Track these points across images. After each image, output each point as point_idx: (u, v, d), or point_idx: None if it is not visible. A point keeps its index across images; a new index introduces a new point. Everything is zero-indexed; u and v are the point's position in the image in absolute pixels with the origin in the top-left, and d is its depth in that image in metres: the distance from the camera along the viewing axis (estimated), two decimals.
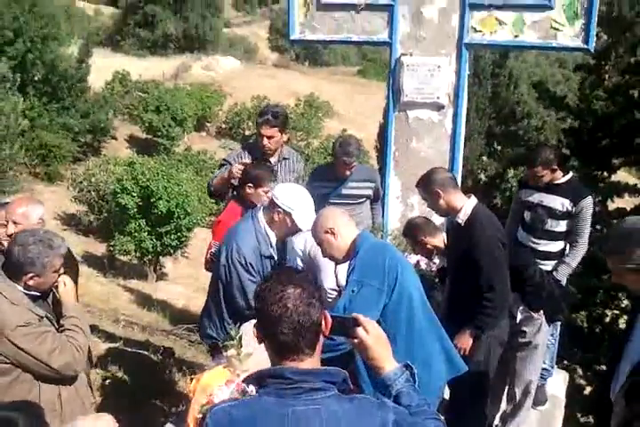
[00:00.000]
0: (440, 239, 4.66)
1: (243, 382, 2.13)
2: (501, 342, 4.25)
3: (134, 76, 28.55)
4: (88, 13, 45.80)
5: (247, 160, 5.17)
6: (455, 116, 5.29)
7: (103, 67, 25.95)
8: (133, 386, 6.09)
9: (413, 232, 4.74)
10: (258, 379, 2.04)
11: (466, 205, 4.11)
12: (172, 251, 15.95)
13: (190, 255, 16.83)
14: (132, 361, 6.96)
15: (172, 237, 15.48)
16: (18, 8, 19.93)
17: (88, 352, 3.97)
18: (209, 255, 4.98)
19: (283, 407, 1.95)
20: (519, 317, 4.53)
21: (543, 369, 5.42)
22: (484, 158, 9.23)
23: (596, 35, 5.27)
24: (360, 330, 2.17)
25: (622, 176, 9.97)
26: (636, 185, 9.06)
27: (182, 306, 12.50)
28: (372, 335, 2.17)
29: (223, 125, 30.45)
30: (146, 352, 7.45)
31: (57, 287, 3.46)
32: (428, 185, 4.12)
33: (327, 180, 5.50)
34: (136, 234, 15.36)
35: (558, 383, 5.69)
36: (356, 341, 2.19)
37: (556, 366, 5.71)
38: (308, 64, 45.13)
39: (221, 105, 29.94)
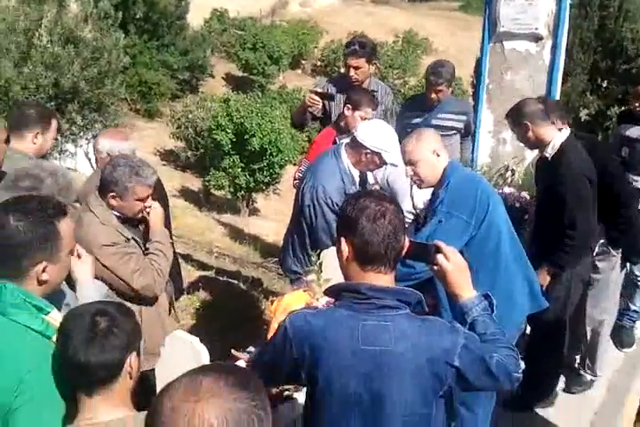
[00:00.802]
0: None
1: (324, 293, 2.21)
2: (583, 279, 4.18)
3: (232, 14, 28.61)
4: None
5: (333, 90, 5.16)
6: (554, 48, 5.08)
7: (202, 4, 26.06)
8: (223, 312, 6.32)
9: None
10: (335, 292, 2.12)
11: (555, 138, 3.98)
12: (264, 187, 16.24)
13: (281, 192, 17.06)
14: (223, 289, 7.22)
15: (265, 173, 15.73)
16: None
17: (180, 279, 4.12)
18: (298, 173, 5.07)
19: (354, 320, 2.00)
20: (596, 250, 4.40)
21: (633, 311, 5.30)
22: (587, 95, 8.80)
23: None
24: (440, 257, 2.19)
25: None
26: None
27: (272, 241, 12.75)
28: (453, 262, 2.19)
29: (319, 63, 30.23)
30: (236, 281, 7.69)
31: (148, 214, 3.59)
32: (516, 117, 4.01)
33: (418, 110, 5.41)
34: (230, 170, 15.67)
35: None
36: (435, 267, 2.22)
37: None
38: (407, 0, 43.93)
39: (317, 42, 29.70)
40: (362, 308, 2.02)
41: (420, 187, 3.60)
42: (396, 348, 1.99)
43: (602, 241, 4.37)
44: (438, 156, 3.42)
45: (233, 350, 3.21)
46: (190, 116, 18.73)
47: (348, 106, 4.69)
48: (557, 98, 5.23)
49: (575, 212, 3.81)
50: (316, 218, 4.14)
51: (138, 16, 20.81)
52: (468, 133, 5.51)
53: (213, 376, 1.33)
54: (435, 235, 3.22)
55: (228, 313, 6.26)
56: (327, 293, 2.18)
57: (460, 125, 5.42)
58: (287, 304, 3.51)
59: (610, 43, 8.93)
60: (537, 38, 5.09)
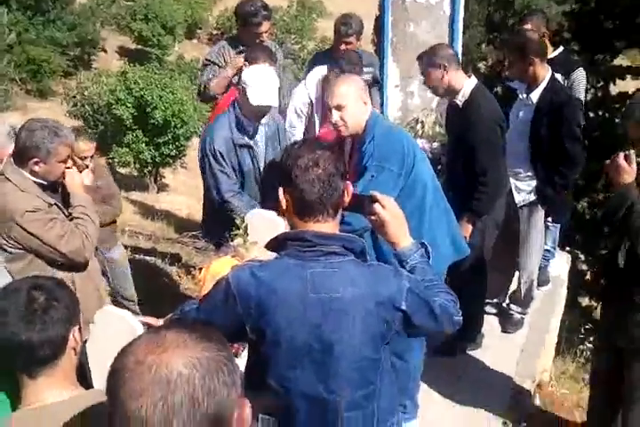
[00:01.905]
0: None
1: (264, 247, 2.17)
2: (497, 223, 4.27)
3: None
4: None
5: (232, 53, 5.09)
6: None
7: None
8: (142, 290, 6.19)
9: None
10: (278, 242, 2.08)
11: (465, 85, 4.02)
12: (170, 161, 15.92)
13: (189, 165, 16.77)
14: (141, 268, 7.05)
15: (170, 146, 15.42)
16: None
17: None
18: None
19: (302, 269, 1.99)
20: (523, 201, 4.50)
21: (545, 251, 5.49)
22: (484, 46, 9.00)
23: None
24: (377, 206, 2.19)
25: (621, 62, 9.72)
26: (637, 68, 8.87)
27: (185, 215, 12.57)
28: (389, 211, 2.19)
29: (214, 31, 29.67)
30: (153, 259, 7.54)
31: (65, 179, 3.46)
32: (433, 58, 4.00)
33: (326, 64, 5.38)
34: (134, 146, 15.27)
35: (561, 265, 5.79)
36: (373, 217, 2.21)
37: (558, 249, 5.79)
38: None
39: (211, 11, 29.11)
40: (308, 256, 2.00)
41: (342, 133, 3.56)
42: (345, 294, 1.98)
43: (534, 197, 4.45)
44: (364, 104, 3.36)
45: (140, 317, 3.08)
46: (86, 93, 18.06)
47: (246, 63, 4.65)
48: (460, 49, 5.29)
49: (486, 158, 3.84)
50: (204, 169, 4.14)
51: None
52: (377, 81, 5.51)
53: (176, 330, 1.28)
54: (368, 189, 3.19)
55: (147, 291, 6.13)
56: (269, 246, 2.13)
57: (368, 77, 5.41)
58: (215, 272, 3.44)
59: None
60: None
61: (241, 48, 5.20)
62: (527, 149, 4.32)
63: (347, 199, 2.11)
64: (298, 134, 4.80)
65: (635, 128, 3.28)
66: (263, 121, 4.19)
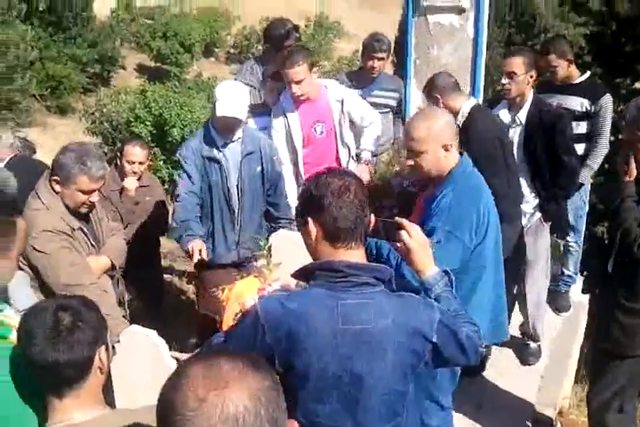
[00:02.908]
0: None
1: (292, 276, 2.16)
2: (513, 243, 4.23)
3: (139, 3, 27.84)
4: None
5: (259, 73, 5.14)
6: (477, 20, 5.14)
7: None
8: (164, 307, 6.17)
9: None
10: (307, 272, 2.06)
11: (464, 106, 4.05)
12: None
13: None
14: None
15: None
16: None
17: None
18: None
19: (332, 300, 1.96)
20: (529, 225, 4.45)
21: (567, 276, 5.45)
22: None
23: None
24: (404, 234, 2.19)
25: None
26: None
27: None
28: (415, 239, 2.19)
29: (232, 50, 29.84)
30: (170, 276, 7.53)
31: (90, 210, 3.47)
32: (429, 91, 4.09)
33: (352, 86, 5.40)
34: (152, 163, 15.30)
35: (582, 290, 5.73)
36: (399, 244, 2.21)
37: (579, 274, 5.73)
38: None
39: (229, 29, 29.30)
40: (339, 286, 1.97)
41: (411, 177, 3.46)
42: (376, 326, 1.96)
43: (538, 217, 4.42)
44: (447, 151, 3.04)
45: (170, 352, 3.08)
46: (105, 110, 18.14)
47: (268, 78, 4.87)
48: (482, 70, 5.29)
49: (488, 174, 3.71)
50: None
51: (41, 8, 20.07)
52: (401, 111, 5.53)
53: (227, 360, 1.25)
54: (435, 255, 2.71)
55: (165, 310, 6.12)
56: (296, 275, 2.12)
57: (394, 103, 5.44)
58: (239, 292, 3.42)
59: (522, 16, 9.12)
60: (460, 10, 5.13)
61: (268, 69, 5.21)
62: (526, 170, 4.32)
63: (371, 227, 2.10)
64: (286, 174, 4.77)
65: (626, 130, 3.32)
66: (237, 138, 4.23)
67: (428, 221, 3.04)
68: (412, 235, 2.19)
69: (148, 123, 14.75)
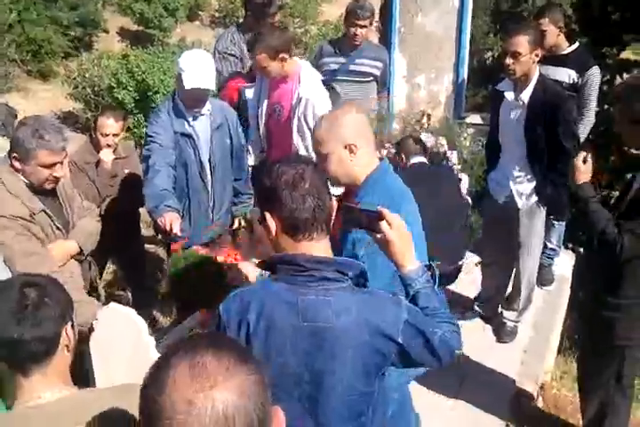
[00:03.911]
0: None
1: (257, 266, 2.10)
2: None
3: None
4: None
5: (241, 41, 5.00)
6: None
7: None
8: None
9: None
10: (270, 265, 1.99)
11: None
12: None
13: None
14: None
15: None
16: None
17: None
18: None
19: (293, 295, 1.90)
20: (525, 208, 4.41)
21: (550, 249, 5.44)
22: (491, 36, 8.85)
23: None
24: (384, 225, 2.08)
25: (628, 55, 9.55)
26: None
27: None
28: (396, 231, 2.09)
29: (217, 14, 29.30)
30: (154, 246, 7.47)
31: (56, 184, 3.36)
32: (400, 150, 4.61)
33: (335, 54, 5.28)
34: (135, 130, 15.10)
35: (566, 263, 5.72)
36: (379, 236, 2.11)
37: (563, 247, 5.72)
38: None
39: None
40: (300, 281, 1.91)
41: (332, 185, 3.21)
42: (337, 324, 1.89)
43: (534, 200, 4.36)
44: (352, 153, 2.64)
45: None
46: (87, 75, 17.85)
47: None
48: (467, 40, 5.18)
49: None
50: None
51: None
52: (385, 83, 5.42)
53: (213, 357, 1.21)
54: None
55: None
56: (262, 266, 2.06)
57: (377, 72, 5.32)
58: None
59: None
60: None
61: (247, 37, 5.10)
62: (525, 151, 4.25)
63: (332, 214, 2.03)
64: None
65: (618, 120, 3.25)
66: (206, 111, 4.10)
67: (347, 231, 2.71)
68: (393, 225, 2.09)
69: (131, 88, 14.51)
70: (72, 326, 1.91)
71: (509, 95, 4.21)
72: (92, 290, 3.86)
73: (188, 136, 4.07)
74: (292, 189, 1.92)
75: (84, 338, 3.18)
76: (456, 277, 4.60)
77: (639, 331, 3.42)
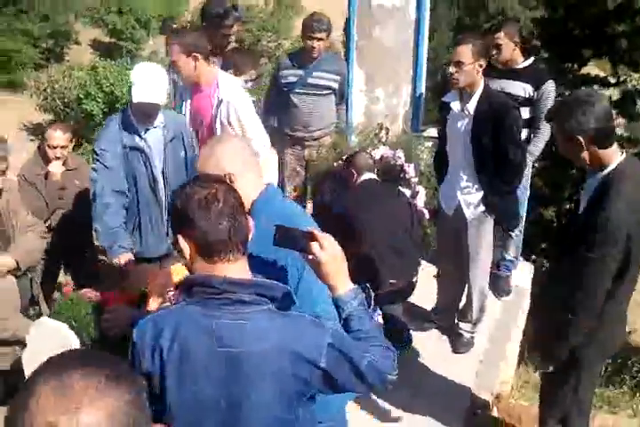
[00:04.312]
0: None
1: (175, 288, 2.03)
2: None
3: None
4: None
5: None
6: (419, 2, 5.06)
7: None
8: None
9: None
10: (185, 287, 1.90)
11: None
12: None
13: None
14: None
15: None
16: None
17: None
18: None
19: (208, 319, 1.82)
20: (472, 216, 4.44)
21: (508, 260, 5.46)
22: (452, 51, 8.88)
23: None
24: (314, 245, 2.00)
25: (589, 70, 9.73)
26: (605, 77, 8.87)
27: None
28: (328, 252, 2.00)
29: (189, 26, 29.41)
30: None
31: None
32: (348, 164, 4.40)
33: (294, 67, 5.27)
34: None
35: (524, 275, 5.75)
36: (310, 257, 2.03)
37: (521, 258, 5.75)
38: None
39: (187, 4, 28.85)
40: (215, 304, 1.82)
41: None
42: (254, 349, 1.81)
43: (481, 209, 4.36)
44: (231, 182, 2.41)
45: None
46: (57, 86, 17.80)
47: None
48: (425, 53, 5.22)
49: None
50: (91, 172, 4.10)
51: None
52: (343, 96, 5.44)
53: (82, 377, 1.13)
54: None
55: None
56: (179, 288, 1.97)
57: (335, 85, 5.33)
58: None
59: None
60: None
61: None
62: (471, 161, 4.27)
63: (250, 234, 1.93)
64: None
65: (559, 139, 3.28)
66: (159, 124, 4.04)
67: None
68: (324, 246, 2.00)
69: (100, 100, 14.50)
70: None
71: (455, 106, 4.24)
72: (33, 304, 3.81)
73: (138, 149, 3.99)
74: (205, 211, 1.84)
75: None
76: (411, 293, 4.61)
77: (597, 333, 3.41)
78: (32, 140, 17.81)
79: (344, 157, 4.87)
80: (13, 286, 3.51)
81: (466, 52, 4.02)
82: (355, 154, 4.55)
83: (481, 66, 4.04)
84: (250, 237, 1.93)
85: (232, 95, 4.35)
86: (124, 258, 3.87)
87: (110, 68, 14.95)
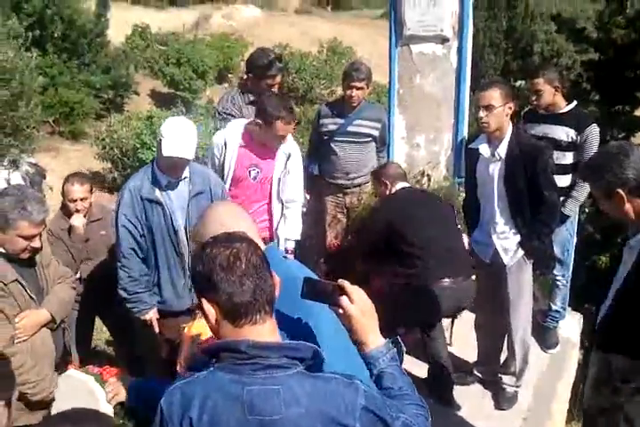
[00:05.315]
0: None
1: (201, 353, 1.97)
2: None
3: (154, 29, 28.17)
4: None
5: (241, 102, 5.09)
6: (460, 49, 5.05)
7: (122, 20, 25.62)
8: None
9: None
10: (213, 351, 1.84)
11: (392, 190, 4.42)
12: None
13: None
14: None
15: None
16: None
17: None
18: None
19: (238, 385, 1.75)
20: (512, 263, 4.30)
21: (554, 311, 5.28)
22: None
23: None
24: (344, 299, 1.95)
25: None
26: None
27: None
28: (358, 306, 1.95)
29: (245, 76, 30.04)
30: None
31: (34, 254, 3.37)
32: (379, 175, 4.59)
33: (334, 115, 5.36)
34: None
35: (572, 326, 5.54)
36: (340, 310, 1.97)
37: (569, 309, 5.55)
38: (330, 9, 44.08)
39: (243, 55, 29.48)
40: (245, 369, 1.76)
41: None
42: (287, 416, 1.73)
43: (520, 254, 4.25)
44: None
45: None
46: (115, 135, 18.28)
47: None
48: (467, 99, 5.18)
49: None
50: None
51: (56, 35, 20.30)
52: (384, 143, 5.44)
53: None
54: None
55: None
56: (204, 352, 1.89)
57: (376, 133, 5.34)
58: (196, 333, 3.31)
59: (519, 43, 9.00)
60: (443, 40, 5.05)
61: (251, 98, 5.19)
62: (506, 206, 4.18)
63: (276, 291, 1.86)
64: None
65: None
66: (183, 177, 4.02)
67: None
68: (355, 300, 1.94)
69: (155, 149, 14.79)
70: (5, 405, 1.85)
71: (485, 151, 4.18)
72: (65, 355, 3.80)
73: (158, 203, 3.98)
74: (228, 272, 1.77)
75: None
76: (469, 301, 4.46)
77: None
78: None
79: (372, 172, 4.84)
80: (49, 340, 3.51)
81: (494, 95, 4.01)
82: (383, 165, 4.55)
83: (510, 108, 4.02)
84: (276, 294, 1.86)
85: (294, 148, 4.46)
86: (148, 316, 4.14)
87: (165, 118, 15.29)
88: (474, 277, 4.37)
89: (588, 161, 3.14)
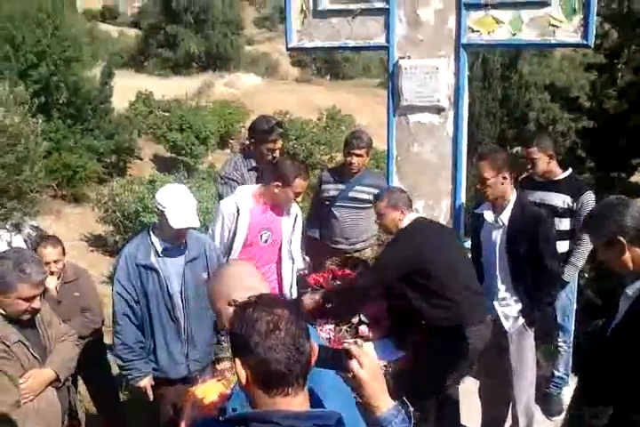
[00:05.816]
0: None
1: (227, 420, 1.95)
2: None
3: (157, 96, 28.81)
4: (113, 36, 46.36)
5: (243, 168, 5.21)
6: (456, 118, 5.18)
7: (127, 88, 26.21)
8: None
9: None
10: (242, 421, 1.81)
11: (402, 222, 4.26)
12: None
13: None
14: None
15: None
16: (41, 32, 20.21)
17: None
18: None
19: None
20: (513, 331, 4.30)
21: (558, 377, 5.25)
22: None
23: (607, 32, 5.10)
24: (354, 364, 1.96)
25: (637, 179, 9.65)
26: None
27: None
28: (368, 371, 1.96)
29: (246, 142, 30.54)
30: None
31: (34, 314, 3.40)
32: (389, 201, 4.42)
33: (335, 181, 5.48)
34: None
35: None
36: (350, 375, 1.98)
37: (572, 374, 5.52)
38: (329, 78, 45.14)
39: (244, 122, 30.08)
40: None
41: None
42: None
43: (521, 322, 4.26)
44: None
45: None
46: (117, 199, 18.49)
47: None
48: (464, 166, 5.29)
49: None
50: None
51: (61, 101, 20.74)
52: None
53: None
54: None
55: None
56: (231, 421, 1.88)
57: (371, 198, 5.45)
58: (199, 397, 3.31)
59: (514, 112, 9.25)
60: (439, 110, 5.17)
61: (253, 164, 5.32)
62: (508, 272, 4.22)
63: (313, 360, 1.86)
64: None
65: None
66: (181, 243, 4.04)
67: None
68: (364, 365, 1.95)
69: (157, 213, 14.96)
70: None
71: (489, 217, 4.26)
72: (72, 413, 3.77)
73: (153, 270, 3.99)
74: (266, 339, 1.75)
75: None
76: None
77: None
78: (92, 251, 18.30)
79: (370, 198, 4.82)
80: (55, 399, 3.51)
81: (484, 168, 4.13)
82: (385, 190, 4.48)
83: (505, 178, 4.10)
84: (312, 366, 1.85)
85: (298, 209, 4.59)
86: (142, 383, 4.10)
87: (167, 182, 15.53)
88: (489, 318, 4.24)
89: (590, 212, 3.19)
